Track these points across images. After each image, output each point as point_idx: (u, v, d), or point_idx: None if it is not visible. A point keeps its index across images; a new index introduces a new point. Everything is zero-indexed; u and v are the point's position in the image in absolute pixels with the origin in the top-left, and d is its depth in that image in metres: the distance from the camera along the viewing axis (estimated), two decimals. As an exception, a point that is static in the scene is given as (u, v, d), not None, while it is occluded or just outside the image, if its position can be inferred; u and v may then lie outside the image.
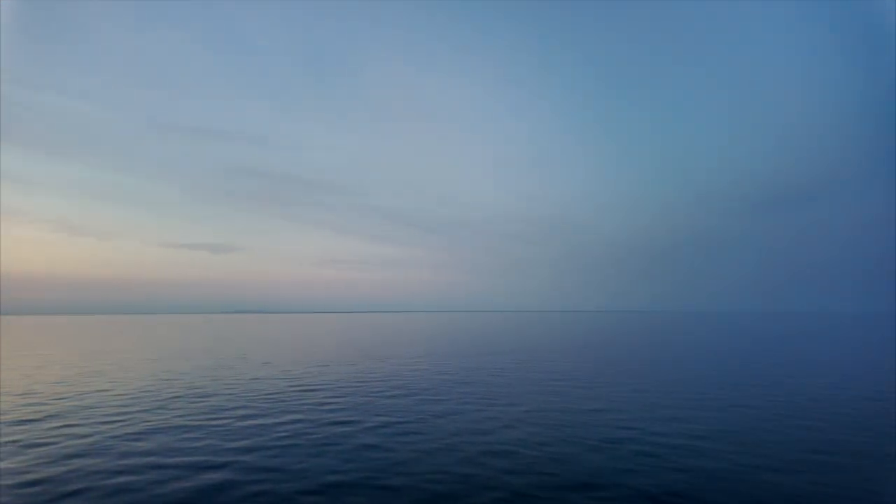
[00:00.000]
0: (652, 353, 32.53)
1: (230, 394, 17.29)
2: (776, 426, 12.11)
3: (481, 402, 15.44)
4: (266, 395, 17.04)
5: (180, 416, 13.76)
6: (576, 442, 10.68)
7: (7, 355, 33.56)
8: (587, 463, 9.19)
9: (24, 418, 13.55)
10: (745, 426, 12.05)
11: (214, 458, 9.73)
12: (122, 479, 8.52)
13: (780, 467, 8.88)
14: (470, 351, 34.70)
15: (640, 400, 15.58)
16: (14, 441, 11.22)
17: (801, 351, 33.79)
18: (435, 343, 43.59)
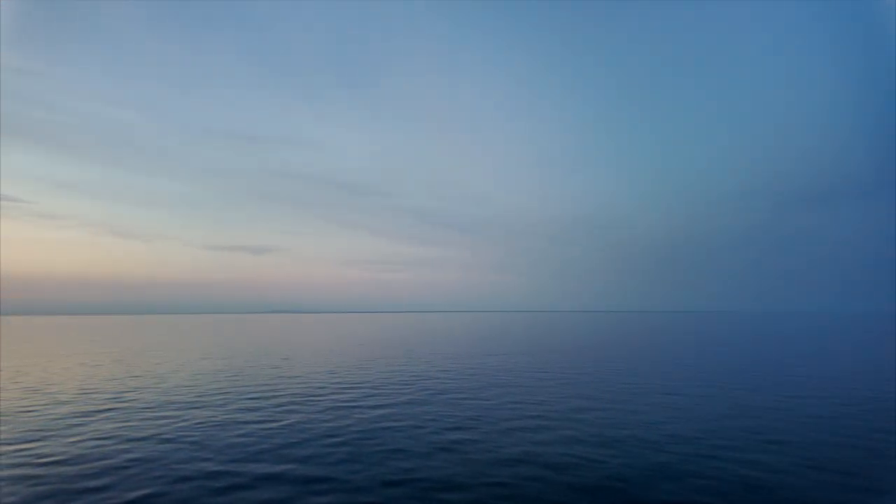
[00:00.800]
0: (728, 355, 32.47)
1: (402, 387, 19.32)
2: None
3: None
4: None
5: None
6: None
7: (98, 350, 37.28)
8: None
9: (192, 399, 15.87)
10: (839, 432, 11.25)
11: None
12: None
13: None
14: (552, 349, 35.22)
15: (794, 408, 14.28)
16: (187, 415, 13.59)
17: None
18: (507, 342, 44.43)
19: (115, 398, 17.06)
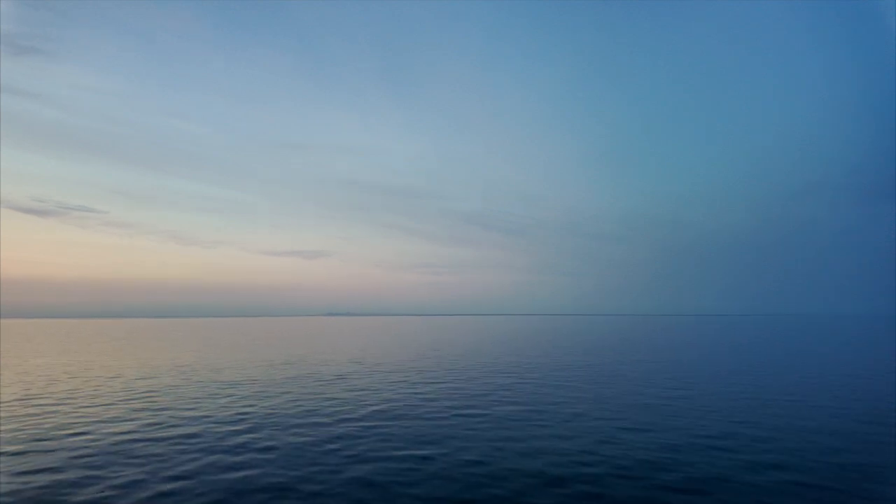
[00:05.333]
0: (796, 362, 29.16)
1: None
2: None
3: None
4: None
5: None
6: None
7: (191, 349, 38.43)
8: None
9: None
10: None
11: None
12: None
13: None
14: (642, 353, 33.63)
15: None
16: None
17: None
18: (575, 345, 42.85)
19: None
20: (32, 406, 15.38)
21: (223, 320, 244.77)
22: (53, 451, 10.33)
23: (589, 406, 14.76)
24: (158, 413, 14.19)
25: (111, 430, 12.10)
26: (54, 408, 15.07)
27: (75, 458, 9.83)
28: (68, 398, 16.83)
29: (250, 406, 15.11)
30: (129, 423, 12.96)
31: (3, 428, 12.51)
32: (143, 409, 14.79)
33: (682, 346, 41.40)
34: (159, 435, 11.68)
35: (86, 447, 10.59)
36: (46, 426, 12.64)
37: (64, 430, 12.23)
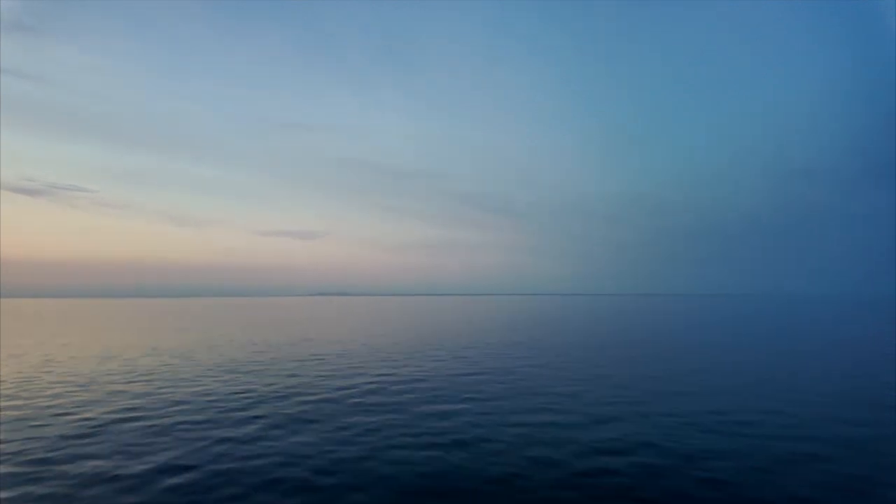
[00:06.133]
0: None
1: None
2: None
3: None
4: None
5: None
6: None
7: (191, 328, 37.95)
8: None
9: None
10: None
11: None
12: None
13: None
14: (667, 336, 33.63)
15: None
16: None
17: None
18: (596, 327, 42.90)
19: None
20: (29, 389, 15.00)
21: (215, 300, 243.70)
22: (47, 426, 10.01)
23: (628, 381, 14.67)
24: (160, 392, 13.88)
25: (113, 409, 11.78)
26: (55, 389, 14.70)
27: (72, 437, 9.52)
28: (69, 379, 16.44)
29: (252, 385, 14.85)
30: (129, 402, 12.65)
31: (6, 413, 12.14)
32: (146, 393, 14.46)
33: (682, 326, 41.68)
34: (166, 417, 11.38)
35: (82, 425, 10.28)
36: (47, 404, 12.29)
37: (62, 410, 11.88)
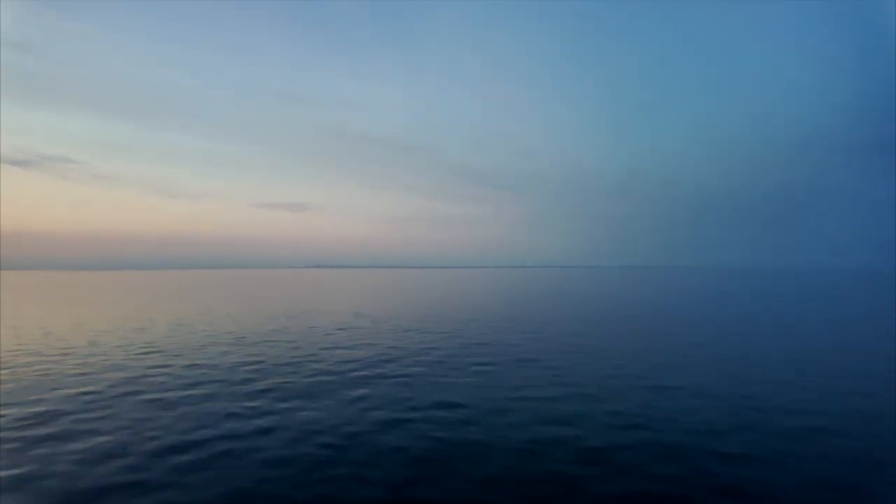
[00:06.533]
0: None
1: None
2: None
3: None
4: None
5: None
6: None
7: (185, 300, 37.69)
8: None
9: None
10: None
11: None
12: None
13: None
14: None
15: None
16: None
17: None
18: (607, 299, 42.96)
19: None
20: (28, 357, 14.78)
21: (209, 272, 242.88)
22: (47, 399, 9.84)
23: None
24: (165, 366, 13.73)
25: (120, 379, 11.62)
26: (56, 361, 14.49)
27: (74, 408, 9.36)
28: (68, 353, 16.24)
29: (256, 356, 14.72)
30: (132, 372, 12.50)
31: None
32: (153, 366, 14.29)
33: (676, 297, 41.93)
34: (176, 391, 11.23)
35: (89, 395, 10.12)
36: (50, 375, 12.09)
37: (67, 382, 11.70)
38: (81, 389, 11.15)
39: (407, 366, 13.57)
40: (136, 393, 10.83)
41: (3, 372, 13.02)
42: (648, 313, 27.52)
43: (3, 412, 9.45)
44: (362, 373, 12.73)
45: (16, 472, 6.71)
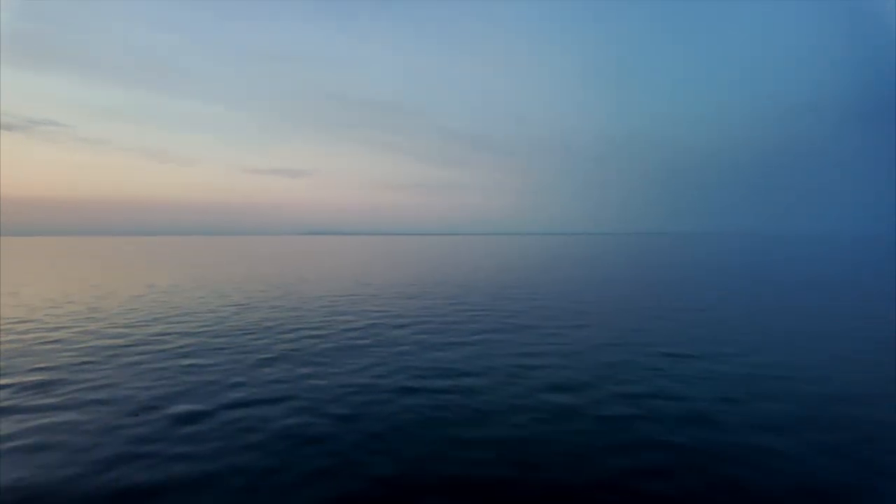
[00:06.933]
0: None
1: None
2: None
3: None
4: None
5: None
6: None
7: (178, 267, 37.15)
8: None
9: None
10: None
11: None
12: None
13: None
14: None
15: None
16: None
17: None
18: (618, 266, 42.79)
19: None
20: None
21: (202, 239, 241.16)
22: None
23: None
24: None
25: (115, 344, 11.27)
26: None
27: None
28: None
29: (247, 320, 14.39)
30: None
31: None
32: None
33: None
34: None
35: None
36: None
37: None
38: (82, 359, 10.79)
39: (414, 333, 13.31)
40: (138, 362, 10.49)
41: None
42: (651, 282, 27.27)
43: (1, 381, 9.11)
44: (366, 340, 12.47)
45: (16, 443, 6.42)
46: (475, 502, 5.07)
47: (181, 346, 11.91)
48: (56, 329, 14.05)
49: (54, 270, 36.80)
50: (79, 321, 15.35)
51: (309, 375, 9.43)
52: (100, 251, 79.55)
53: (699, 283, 26.13)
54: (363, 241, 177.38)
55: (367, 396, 8.24)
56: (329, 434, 6.72)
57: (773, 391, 8.39)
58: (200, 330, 13.89)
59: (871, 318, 15.41)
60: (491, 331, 13.68)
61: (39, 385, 8.90)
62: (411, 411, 7.59)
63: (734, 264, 41.90)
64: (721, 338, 12.66)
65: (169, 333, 13.43)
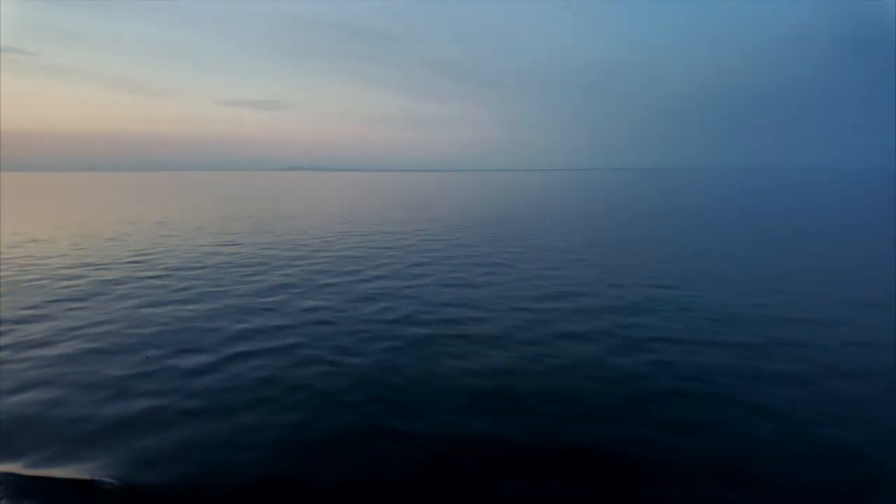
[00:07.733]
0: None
1: None
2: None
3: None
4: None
5: None
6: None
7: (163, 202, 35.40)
8: None
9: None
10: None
11: None
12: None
13: None
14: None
15: None
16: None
17: None
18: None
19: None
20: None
21: (180, 174, 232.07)
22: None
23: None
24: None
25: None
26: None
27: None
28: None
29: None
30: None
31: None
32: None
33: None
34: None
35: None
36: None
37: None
38: (72, 305, 10.14)
39: (411, 277, 13.09)
40: (136, 306, 10.02)
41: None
42: (648, 217, 26.84)
43: None
44: (373, 284, 12.19)
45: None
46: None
47: (169, 286, 11.27)
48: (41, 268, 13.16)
49: (32, 207, 34.78)
50: (64, 261, 14.43)
51: (310, 319, 9.27)
52: (68, 187, 75.60)
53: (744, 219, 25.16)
54: (349, 178, 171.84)
55: (374, 336, 8.21)
56: (329, 374, 6.74)
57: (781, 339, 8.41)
58: (192, 267, 13.20)
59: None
60: (490, 273, 13.53)
61: (25, 319, 8.31)
62: (419, 352, 7.60)
63: (741, 203, 40.81)
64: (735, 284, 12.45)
65: (163, 276, 12.70)
